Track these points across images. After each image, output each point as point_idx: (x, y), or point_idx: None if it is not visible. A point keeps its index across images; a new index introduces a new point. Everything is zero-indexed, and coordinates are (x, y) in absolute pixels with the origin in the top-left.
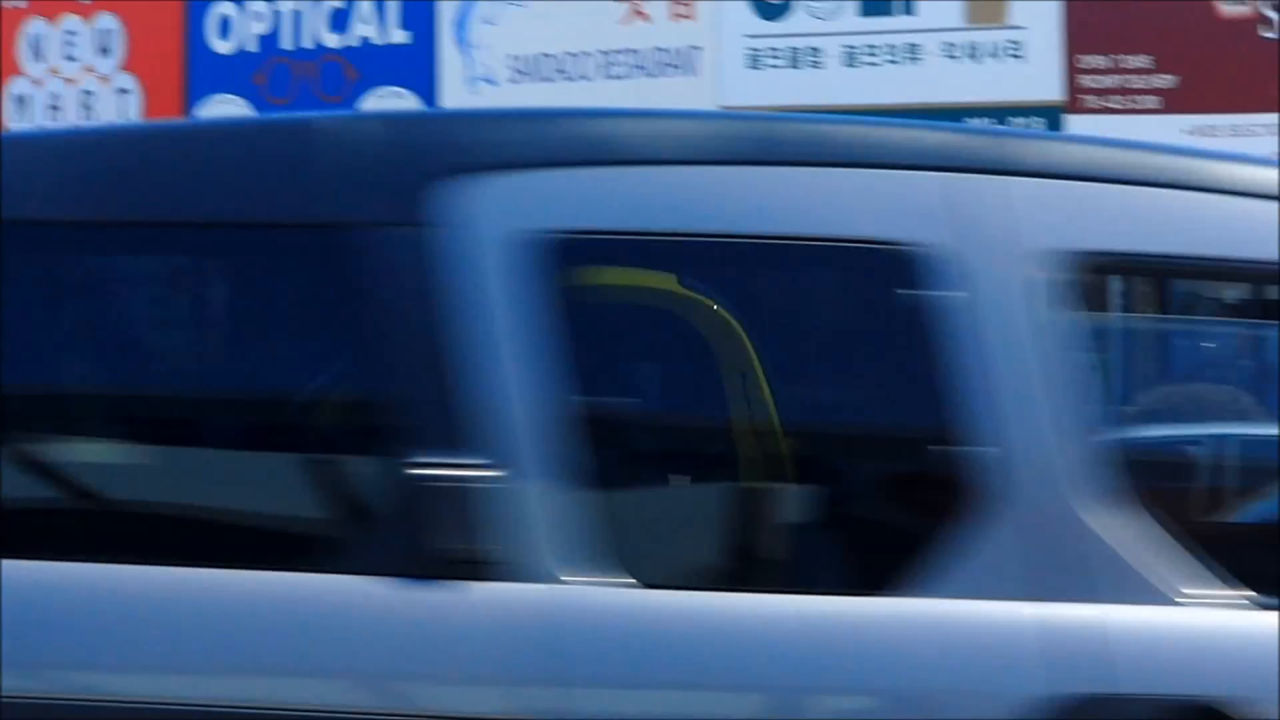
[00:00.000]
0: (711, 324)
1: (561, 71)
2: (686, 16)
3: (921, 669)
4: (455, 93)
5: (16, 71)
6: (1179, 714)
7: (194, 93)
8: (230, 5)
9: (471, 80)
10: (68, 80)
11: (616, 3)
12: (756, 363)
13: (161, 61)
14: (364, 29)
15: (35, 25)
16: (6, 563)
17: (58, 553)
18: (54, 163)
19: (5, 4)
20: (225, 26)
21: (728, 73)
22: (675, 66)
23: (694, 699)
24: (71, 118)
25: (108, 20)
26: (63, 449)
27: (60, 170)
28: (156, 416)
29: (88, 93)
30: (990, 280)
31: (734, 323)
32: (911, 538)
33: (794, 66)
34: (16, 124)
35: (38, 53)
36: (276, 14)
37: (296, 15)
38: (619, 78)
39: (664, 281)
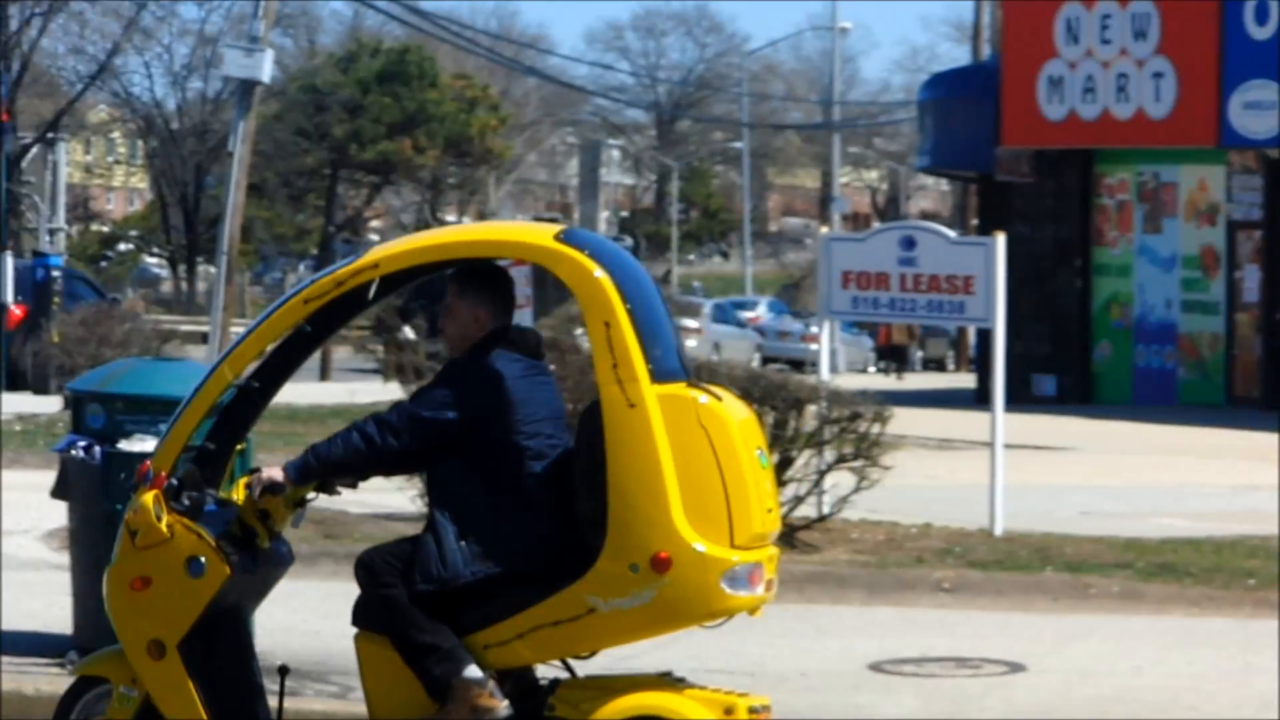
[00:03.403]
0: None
1: None
2: None
3: None
4: None
5: (1053, 54)
6: None
7: (1228, 78)
8: None
9: None
10: (1103, 64)
11: None
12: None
13: (1196, 46)
14: None
15: (1071, 9)
16: None
17: None
18: None
19: None
20: (1263, 12)
21: None
22: None
23: None
24: (1105, 101)
25: (1143, 5)
26: None
27: None
28: None
29: (1122, 75)
30: None
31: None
32: None
33: None
34: (1049, 105)
35: (1074, 36)
36: None
37: None
38: None
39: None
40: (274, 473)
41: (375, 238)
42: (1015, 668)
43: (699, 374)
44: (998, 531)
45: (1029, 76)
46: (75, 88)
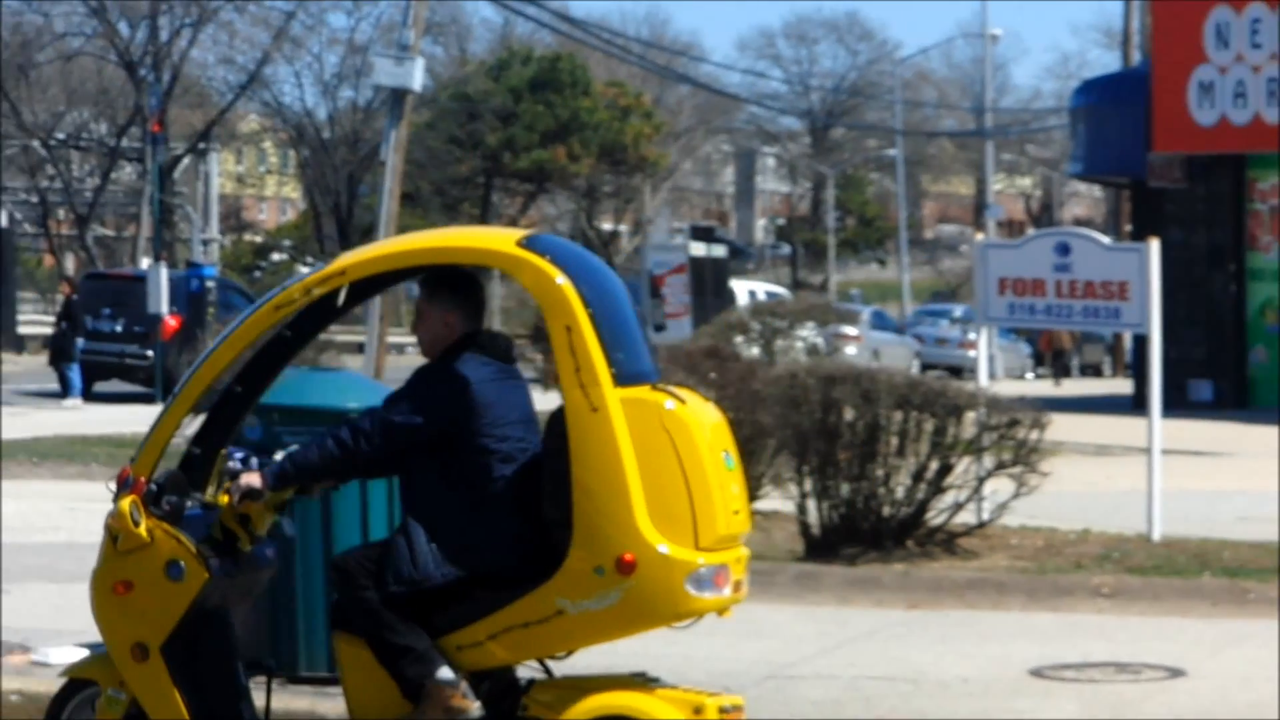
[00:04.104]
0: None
1: None
2: None
3: None
4: None
5: (1203, 59)
6: None
7: None
8: None
9: None
10: (1254, 68)
11: None
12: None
13: None
14: None
15: (1221, 13)
16: None
17: None
18: None
19: None
20: None
21: None
22: None
23: None
24: (1256, 105)
25: None
26: None
27: None
28: None
29: (1272, 80)
30: None
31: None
32: None
33: None
34: (1200, 110)
35: (1224, 41)
36: None
37: None
38: None
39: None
40: (252, 479)
41: None
42: (1174, 673)
43: (858, 380)
44: (1156, 537)
45: (1179, 82)
46: (225, 98)
